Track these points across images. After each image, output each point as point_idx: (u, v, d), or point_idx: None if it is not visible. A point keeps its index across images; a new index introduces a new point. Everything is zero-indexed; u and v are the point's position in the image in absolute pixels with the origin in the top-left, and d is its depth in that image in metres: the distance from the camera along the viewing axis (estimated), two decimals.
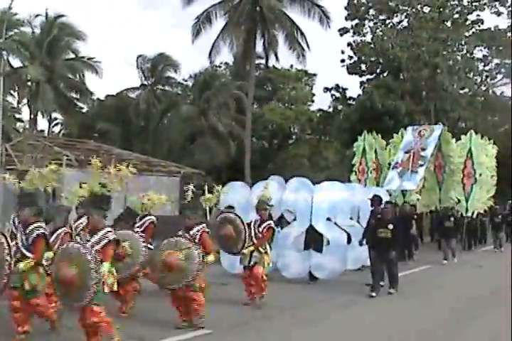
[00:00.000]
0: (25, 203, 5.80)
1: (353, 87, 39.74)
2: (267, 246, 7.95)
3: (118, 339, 5.14)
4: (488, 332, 6.72)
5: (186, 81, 35.85)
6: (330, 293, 9.05)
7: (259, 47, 26.75)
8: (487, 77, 32.73)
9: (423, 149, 16.20)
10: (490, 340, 6.52)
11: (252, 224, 7.96)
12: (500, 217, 18.36)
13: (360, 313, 7.72)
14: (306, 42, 26.67)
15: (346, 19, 31.68)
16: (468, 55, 31.28)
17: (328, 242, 9.97)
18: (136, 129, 30.24)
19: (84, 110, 32.77)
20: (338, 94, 33.49)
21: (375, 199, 10.28)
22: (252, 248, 7.73)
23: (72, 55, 30.52)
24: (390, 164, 17.59)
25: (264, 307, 7.49)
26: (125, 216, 7.34)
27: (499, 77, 32.97)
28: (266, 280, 7.72)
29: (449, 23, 30.95)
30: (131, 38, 69.76)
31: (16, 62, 29.14)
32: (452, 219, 14.11)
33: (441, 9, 30.49)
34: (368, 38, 31.83)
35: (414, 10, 30.98)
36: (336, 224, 10.14)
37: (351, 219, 10.97)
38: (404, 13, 31.45)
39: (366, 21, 31.86)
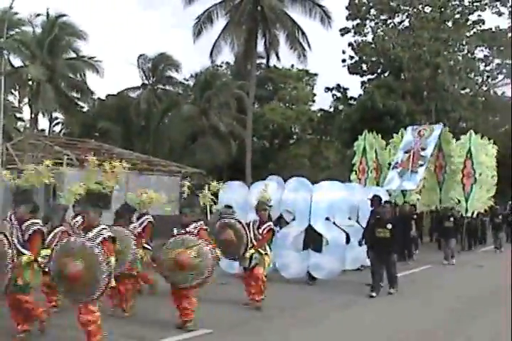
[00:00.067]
0: (21, 200, 5.79)
1: (354, 86, 39.83)
2: (267, 248, 7.93)
3: None
4: (488, 332, 6.72)
5: (187, 80, 35.89)
6: (329, 293, 9.05)
7: (260, 47, 26.80)
8: (488, 77, 32.74)
9: (423, 149, 16.20)
10: (490, 340, 6.52)
11: (251, 225, 7.90)
12: (500, 217, 18.35)
13: (360, 313, 7.71)
14: (307, 42, 26.71)
15: (347, 19, 31.71)
16: (469, 55, 31.29)
17: (327, 242, 9.95)
18: (137, 129, 30.26)
19: (85, 109, 32.78)
20: (339, 94, 33.52)
21: (375, 200, 10.31)
22: (252, 250, 7.68)
23: (73, 55, 30.53)
24: (389, 164, 17.59)
25: (264, 307, 7.49)
26: (122, 210, 7.26)
27: (500, 77, 33.01)
28: (265, 281, 7.69)
29: (450, 23, 30.96)
30: (131, 37, 69.84)
31: (17, 62, 29.21)
32: (452, 219, 14.09)
33: (442, 9, 30.51)
34: (369, 37, 31.88)
35: (415, 10, 31.00)
36: (334, 223, 10.13)
37: (350, 218, 10.94)
38: (406, 13, 31.47)
39: (367, 21, 31.88)
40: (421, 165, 15.79)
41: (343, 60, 32.48)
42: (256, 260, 7.66)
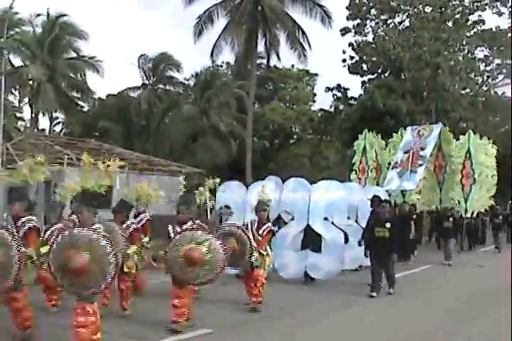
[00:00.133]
0: (16, 198, 5.76)
1: (355, 86, 39.84)
2: (268, 248, 7.91)
3: None
4: (488, 332, 6.72)
5: (188, 80, 35.91)
6: (329, 293, 9.05)
7: (260, 47, 26.84)
8: (488, 77, 32.75)
9: (422, 149, 16.20)
10: (490, 340, 6.52)
11: (250, 226, 7.84)
12: (500, 217, 18.34)
13: (360, 313, 7.71)
14: (308, 42, 26.73)
15: (348, 19, 31.73)
16: (469, 55, 31.30)
17: (325, 242, 9.93)
18: (137, 129, 30.27)
19: (85, 109, 32.80)
20: (339, 94, 33.52)
21: (375, 200, 10.27)
22: (256, 253, 7.61)
23: (74, 54, 30.55)
24: (389, 164, 17.60)
25: (264, 307, 7.48)
26: (119, 207, 7.22)
27: (500, 77, 33.03)
28: (265, 283, 7.66)
29: (450, 23, 30.99)
30: (132, 37, 69.84)
31: (17, 61, 29.23)
32: (451, 219, 14.10)
33: (442, 9, 30.53)
34: (370, 37, 31.88)
35: (415, 10, 31.02)
36: (333, 223, 10.11)
37: (349, 218, 10.91)
38: (406, 13, 31.48)
39: (368, 21, 31.89)
40: (420, 165, 15.79)
41: (344, 60, 32.51)
42: (257, 262, 7.60)
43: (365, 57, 31.98)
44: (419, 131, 16.98)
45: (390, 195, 14.56)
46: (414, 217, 15.00)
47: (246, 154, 26.23)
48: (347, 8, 31.54)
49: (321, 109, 35.86)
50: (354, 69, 32.31)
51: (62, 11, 29.28)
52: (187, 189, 8.47)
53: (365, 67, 32.51)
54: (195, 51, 65.07)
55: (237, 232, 7.56)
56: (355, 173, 19.27)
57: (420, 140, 16.56)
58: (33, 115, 29.99)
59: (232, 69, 37.02)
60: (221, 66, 37.81)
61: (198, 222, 6.69)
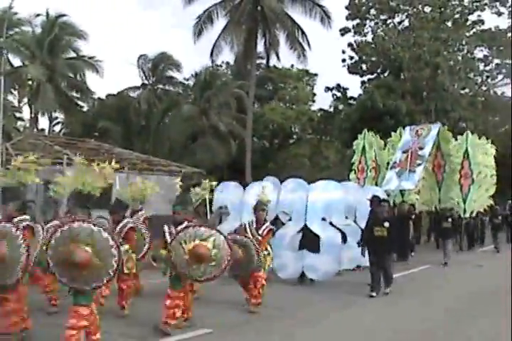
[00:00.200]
0: (9, 198, 5.71)
1: (354, 86, 39.85)
2: (269, 248, 7.89)
3: None
4: (488, 332, 6.71)
5: (187, 80, 35.90)
6: (329, 293, 9.04)
7: (260, 47, 26.85)
8: (488, 77, 32.76)
9: (421, 148, 16.19)
10: (490, 340, 6.51)
11: (248, 226, 7.78)
12: (500, 217, 18.33)
13: (360, 313, 7.71)
14: (307, 42, 26.75)
15: (347, 19, 31.74)
16: (469, 55, 31.32)
17: (322, 242, 9.88)
18: (137, 128, 30.25)
19: (85, 109, 32.79)
20: (339, 94, 33.52)
21: (375, 200, 10.25)
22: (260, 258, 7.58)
23: (73, 54, 30.54)
24: (388, 163, 17.60)
25: (264, 308, 7.47)
26: (115, 207, 7.19)
27: (500, 77, 33.02)
28: (265, 284, 7.63)
29: (449, 23, 31.00)
30: (131, 37, 69.84)
31: (17, 61, 29.22)
32: (450, 220, 14.09)
33: (442, 9, 30.55)
34: (369, 37, 31.89)
35: (415, 10, 31.03)
36: (331, 223, 10.08)
37: (347, 218, 10.88)
38: (405, 13, 31.48)
39: (367, 21, 31.89)
40: (419, 165, 15.79)
41: (343, 60, 32.52)
42: (259, 263, 7.59)
43: (364, 57, 31.99)
44: (417, 130, 16.98)
45: (388, 195, 14.55)
46: (413, 217, 15.00)
47: (246, 154, 26.23)
48: (346, 8, 31.56)
49: (321, 109, 35.86)
50: (354, 69, 32.33)
51: (62, 11, 29.33)
52: (183, 189, 8.44)
53: (364, 67, 32.52)
54: (194, 51, 65.19)
55: (241, 240, 7.45)
56: (355, 173, 19.26)
57: (419, 139, 16.56)
58: (33, 115, 30.00)
59: (232, 69, 37.02)
60: (221, 66, 37.83)
61: (195, 222, 6.65)
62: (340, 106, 33.58)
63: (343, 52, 32.30)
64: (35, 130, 29.86)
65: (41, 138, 18.37)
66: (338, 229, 10.15)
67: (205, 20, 26.26)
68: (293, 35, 26.42)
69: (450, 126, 23.07)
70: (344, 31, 31.76)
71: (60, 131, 35.88)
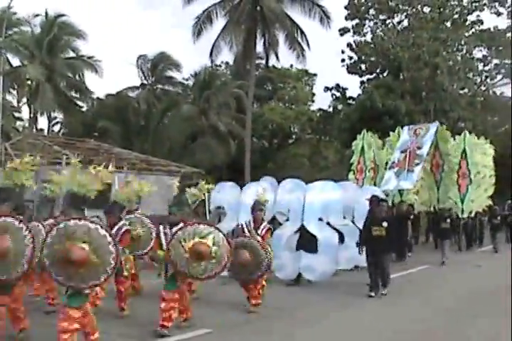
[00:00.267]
0: (2, 199, 5.64)
1: (353, 86, 39.84)
2: (269, 248, 7.87)
3: None
4: (488, 332, 6.71)
5: (187, 80, 35.90)
6: (328, 293, 9.04)
7: (259, 47, 26.84)
8: (487, 77, 32.77)
9: (419, 148, 16.17)
10: (490, 340, 6.51)
11: (245, 227, 7.74)
12: (499, 218, 18.33)
13: (359, 313, 7.72)
14: (307, 42, 26.76)
15: (346, 19, 31.74)
16: (468, 55, 31.32)
17: (319, 242, 9.83)
18: (136, 128, 30.24)
19: (84, 109, 32.78)
20: (338, 94, 33.51)
21: (374, 199, 10.17)
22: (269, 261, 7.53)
23: (73, 54, 30.52)
24: (386, 163, 17.60)
25: (264, 308, 7.47)
26: (110, 209, 7.17)
27: (499, 77, 33.04)
28: (265, 285, 7.61)
29: (448, 24, 31.01)
30: (131, 37, 69.77)
31: (15, 61, 29.20)
32: (448, 220, 14.09)
33: (441, 9, 30.56)
34: (368, 37, 31.89)
35: (414, 10, 31.03)
36: (328, 223, 10.05)
37: (344, 218, 10.86)
38: (405, 13, 31.49)
39: (366, 21, 31.90)
40: (417, 164, 15.77)
41: (342, 60, 32.51)
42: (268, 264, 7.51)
43: (363, 57, 31.99)
44: (415, 130, 16.97)
45: (387, 195, 14.54)
46: (412, 217, 14.99)
47: (245, 154, 26.23)
48: (345, 8, 31.54)
49: (320, 109, 35.86)
50: (353, 69, 32.32)
51: (61, 11, 29.31)
52: (179, 189, 8.41)
53: (363, 67, 32.52)
54: (194, 51, 65.17)
55: (249, 243, 7.42)
56: (353, 173, 19.24)
57: (417, 139, 16.54)
58: (32, 115, 29.98)
59: (231, 69, 37.03)
60: (220, 66, 37.83)
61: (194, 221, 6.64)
62: (340, 106, 33.57)
63: (343, 52, 32.31)
64: (34, 130, 29.83)
65: (40, 138, 18.36)
66: (335, 229, 10.13)
67: (204, 20, 26.25)
68: (292, 35, 26.42)
69: (449, 126, 23.06)
70: (343, 31, 31.75)
71: (59, 131, 35.86)
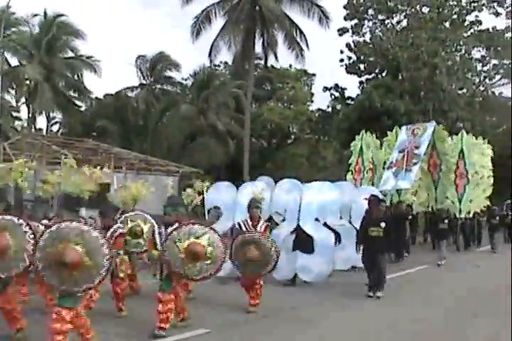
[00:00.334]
0: None
1: (352, 86, 39.87)
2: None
3: None
4: (487, 332, 6.71)
5: (185, 80, 35.89)
6: (326, 293, 9.04)
7: (258, 47, 26.85)
8: (485, 77, 32.78)
9: (417, 147, 16.20)
10: (490, 340, 6.51)
11: (243, 225, 7.72)
12: (497, 218, 18.34)
13: (359, 313, 7.71)
14: (306, 42, 26.77)
15: (345, 19, 31.76)
16: (466, 55, 31.35)
17: (315, 243, 9.78)
18: (135, 128, 30.24)
19: (82, 109, 32.75)
20: (337, 94, 33.53)
21: (373, 199, 10.13)
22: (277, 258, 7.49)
23: (71, 54, 30.49)
24: (384, 163, 17.61)
25: (263, 308, 7.47)
26: (105, 210, 7.14)
27: (497, 77, 33.06)
28: (262, 285, 7.59)
29: (447, 24, 31.04)
30: (129, 37, 69.76)
31: (14, 61, 29.17)
32: (446, 221, 14.07)
33: (439, 10, 30.59)
34: (367, 37, 31.92)
35: (413, 10, 31.05)
36: (325, 224, 10.02)
37: (341, 218, 10.84)
38: (403, 13, 31.51)
39: (365, 21, 31.92)
40: (415, 164, 15.79)
41: (341, 60, 32.52)
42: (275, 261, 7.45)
43: (362, 57, 32.01)
44: (413, 130, 17.00)
45: (385, 195, 14.54)
46: (410, 217, 14.98)
47: (244, 154, 26.24)
48: (344, 7, 31.54)
49: (319, 109, 35.87)
50: (352, 69, 32.34)
51: (60, 11, 29.31)
52: (183, 189, 8.42)
53: (362, 67, 32.54)
54: (193, 51, 65.02)
55: (258, 239, 7.40)
56: (351, 174, 19.24)
57: (415, 139, 16.56)
58: (30, 115, 29.94)
59: (230, 69, 37.01)
60: (219, 66, 37.83)
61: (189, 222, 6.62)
62: (339, 107, 33.59)
63: (341, 52, 32.33)
64: (32, 130, 29.80)
65: (39, 138, 18.34)
66: (332, 229, 10.11)
67: (203, 20, 26.27)
68: (291, 35, 26.44)
69: (448, 126, 23.09)
70: (342, 31, 31.77)
71: (57, 130, 35.84)
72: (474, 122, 29.79)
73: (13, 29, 28.24)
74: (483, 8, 30.91)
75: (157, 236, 6.19)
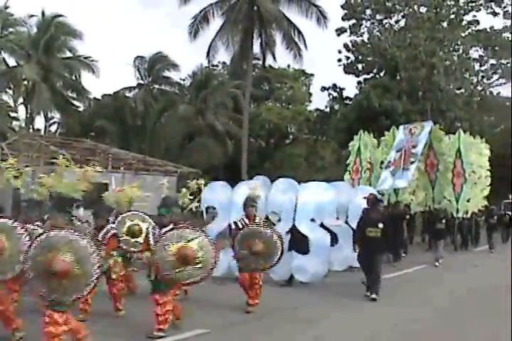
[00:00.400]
0: None
1: (350, 86, 39.95)
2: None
3: None
4: (487, 332, 6.71)
5: (184, 80, 35.89)
6: (324, 293, 9.03)
7: (256, 47, 26.85)
8: (483, 77, 32.84)
9: (414, 146, 16.23)
10: (490, 340, 6.51)
11: (240, 224, 7.68)
12: (495, 218, 18.36)
13: (359, 314, 7.71)
14: (304, 42, 26.78)
15: (343, 19, 31.78)
16: (464, 55, 31.40)
17: (311, 243, 9.73)
18: (133, 129, 30.23)
19: (81, 109, 32.72)
20: (335, 94, 33.54)
21: (371, 198, 10.05)
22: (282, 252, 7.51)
23: (69, 54, 30.46)
24: (382, 163, 17.63)
25: (262, 308, 7.47)
26: (99, 211, 7.11)
27: (495, 77, 33.11)
28: (261, 285, 7.60)
29: (445, 24, 31.08)
30: (127, 37, 69.72)
31: (11, 61, 29.12)
32: (444, 221, 14.07)
33: (437, 9, 30.63)
34: (365, 37, 31.95)
35: (410, 10, 31.08)
36: (322, 224, 10.00)
37: (338, 218, 10.82)
38: (401, 13, 31.55)
39: (363, 21, 31.95)
40: (412, 163, 15.81)
41: (339, 60, 32.55)
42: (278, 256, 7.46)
43: (360, 57, 32.03)
44: (410, 129, 17.03)
45: (382, 195, 14.53)
46: (408, 217, 14.99)
47: (242, 154, 26.23)
48: (342, 7, 31.55)
49: (317, 109, 35.88)
50: (350, 69, 32.36)
51: (58, 11, 29.28)
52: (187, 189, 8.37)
53: (360, 67, 32.56)
54: (191, 51, 65.14)
55: (262, 232, 7.40)
56: (349, 174, 19.26)
57: (412, 138, 16.60)
58: (28, 115, 29.89)
59: (228, 69, 37.00)
60: (217, 66, 37.82)
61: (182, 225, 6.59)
62: (337, 107, 33.61)
63: (339, 52, 32.34)
64: (30, 130, 29.74)
65: (37, 138, 18.35)
66: (328, 230, 10.08)
67: (201, 20, 26.27)
68: (289, 35, 26.45)
69: (446, 126, 23.12)
70: (340, 31, 31.79)
71: (55, 131, 35.80)
72: (472, 122, 29.83)
73: (11, 29, 28.19)
74: (481, 8, 30.98)
75: (151, 236, 6.18)
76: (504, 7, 31.10)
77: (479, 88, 33.05)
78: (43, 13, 28.71)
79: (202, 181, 9.14)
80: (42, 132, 32.49)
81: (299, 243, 9.62)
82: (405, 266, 12.68)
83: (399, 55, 28.99)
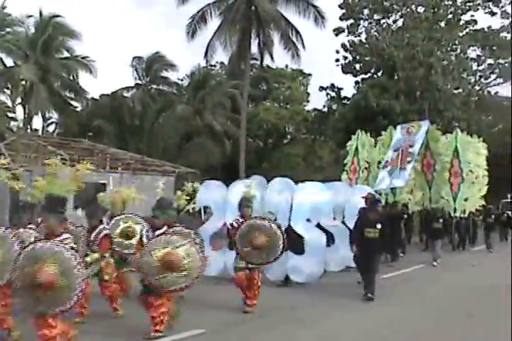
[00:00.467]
0: None
1: (348, 86, 39.96)
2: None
3: None
4: (488, 332, 6.69)
5: (181, 80, 35.88)
6: (321, 294, 9.02)
7: (254, 47, 26.84)
8: (481, 77, 32.87)
9: (411, 146, 16.24)
10: (490, 340, 6.51)
11: (236, 224, 7.64)
12: (493, 217, 18.37)
13: (356, 313, 7.70)
14: (302, 42, 26.77)
15: (341, 19, 31.78)
16: (462, 55, 31.41)
17: (306, 244, 9.70)
18: (131, 129, 30.22)
19: (78, 109, 32.69)
20: (333, 94, 33.55)
21: (370, 197, 10.02)
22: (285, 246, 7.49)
23: (67, 54, 30.43)
24: (379, 162, 17.63)
25: (261, 308, 7.46)
26: (92, 211, 7.08)
27: (493, 76, 33.15)
28: (260, 286, 7.60)
29: (443, 23, 31.10)
30: (125, 37, 69.67)
31: (9, 62, 29.08)
32: (441, 220, 14.07)
33: (435, 9, 30.64)
34: (363, 37, 31.95)
35: (408, 10, 31.10)
36: (318, 224, 9.97)
37: (334, 218, 10.79)
38: (399, 13, 31.57)
39: (361, 21, 31.95)
40: (409, 162, 15.83)
41: (337, 60, 32.55)
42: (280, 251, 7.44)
43: (358, 57, 32.03)
44: (408, 128, 17.04)
45: (380, 195, 14.53)
46: (405, 217, 14.98)
47: (240, 154, 26.23)
48: (339, 6, 31.56)
49: (315, 109, 35.88)
50: (347, 69, 32.36)
51: (56, 12, 29.20)
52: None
53: (358, 66, 32.56)
54: (188, 51, 65.04)
55: (266, 226, 7.36)
56: (347, 173, 19.25)
57: (409, 137, 16.61)
58: (26, 115, 29.86)
59: (226, 69, 37.00)
60: (215, 66, 37.82)
61: (178, 227, 6.53)
62: (335, 106, 33.60)
63: (337, 52, 32.33)
64: (28, 130, 29.73)
65: (35, 139, 18.35)
66: (325, 230, 10.05)
67: (198, 20, 26.24)
68: (287, 35, 26.45)
69: (443, 125, 23.12)
70: (338, 31, 31.79)
71: (53, 131, 35.77)
72: (470, 122, 29.85)
73: (9, 29, 28.15)
74: (479, 7, 30.99)
75: (145, 239, 6.15)
76: (502, 7, 31.16)
77: (477, 88, 33.09)
78: (40, 14, 28.71)
79: (198, 184, 9.12)
80: (40, 132, 32.45)
81: (295, 243, 9.52)
82: (403, 265, 12.68)
83: (397, 54, 29.00)
